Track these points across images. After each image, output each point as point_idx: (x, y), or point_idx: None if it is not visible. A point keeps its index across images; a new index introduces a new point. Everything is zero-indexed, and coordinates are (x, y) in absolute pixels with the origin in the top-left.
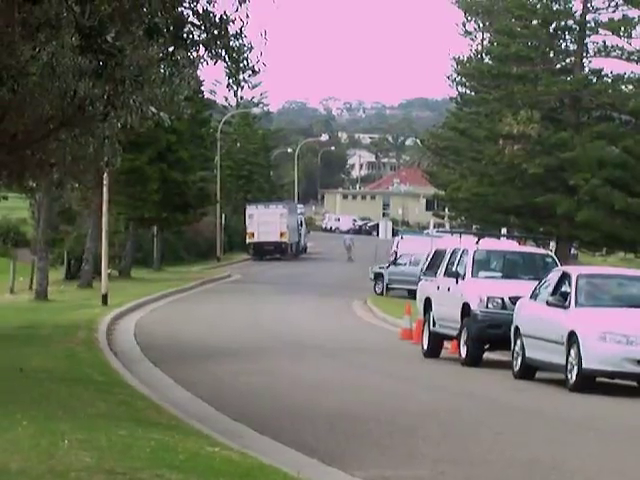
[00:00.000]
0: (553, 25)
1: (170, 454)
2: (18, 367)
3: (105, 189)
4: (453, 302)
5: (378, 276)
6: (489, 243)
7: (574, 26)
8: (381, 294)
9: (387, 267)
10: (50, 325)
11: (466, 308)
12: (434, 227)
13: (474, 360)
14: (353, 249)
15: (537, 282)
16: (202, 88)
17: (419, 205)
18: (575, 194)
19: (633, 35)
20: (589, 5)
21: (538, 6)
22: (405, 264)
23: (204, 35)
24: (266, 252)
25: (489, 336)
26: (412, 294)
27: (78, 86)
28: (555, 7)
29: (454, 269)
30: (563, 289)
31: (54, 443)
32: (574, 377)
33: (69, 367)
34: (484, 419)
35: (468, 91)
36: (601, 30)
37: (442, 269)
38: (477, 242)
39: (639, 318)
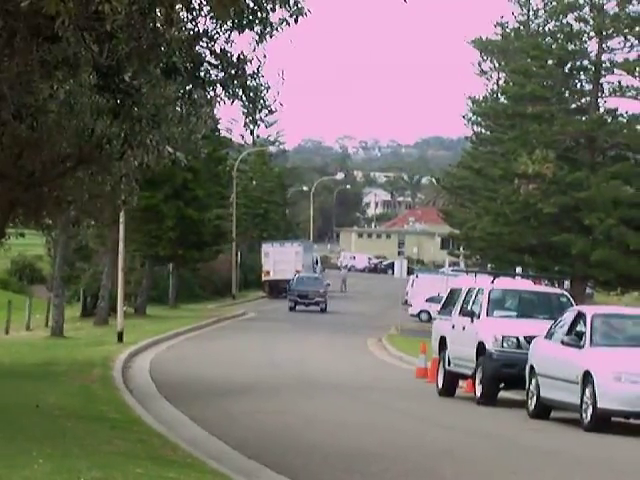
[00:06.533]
0: (568, 65)
1: None
2: (34, 404)
3: (121, 227)
4: (468, 341)
5: None
6: (504, 282)
7: (589, 66)
8: None
9: None
10: (66, 362)
11: (481, 347)
12: (449, 266)
13: (489, 399)
14: (347, 282)
15: (552, 321)
16: (219, 126)
17: (434, 244)
18: (590, 234)
19: None
20: (604, 45)
21: (553, 46)
22: None
23: (221, 74)
24: (281, 290)
25: (504, 375)
26: None
27: (95, 125)
28: (570, 47)
29: (469, 308)
30: (578, 328)
31: None
32: (589, 417)
33: (85, 404)
34: (499, 459)
35: (483, 130)
36: (616, 70)
37: (457, 308)
38: (492, 281)
39: None
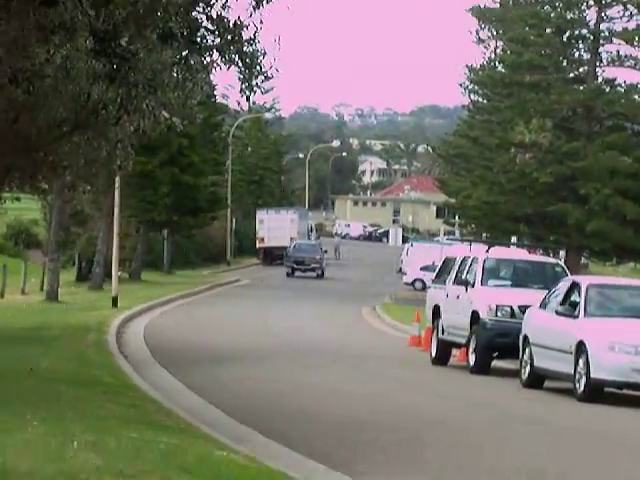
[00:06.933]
0: (567, 34)
1: (179, 457)
2: (28, 367)
3: (117, 192)
4: (462, 310)
5: None
6: (499, 251)
7: (588, 35)
8: None
9: None
10: (60, 326)
11: (475, 316)
12: (444, 235)
13: (482, 368)
14: (340, 249)
15: (547, 291)
16: (215, 92)
17: (429, 212)
18: (586, 204)
19: None
20: (603, 14)
21: (552, 14)
22: None
23: (218, 40)
24: (276, 257)
25: (498, 344)
26: None
27: (92, 89)
28: (569, 16)
29: (464, 277)
30: (572, 298)
31: (64, 444)
32: (582, 387)
33: (79, 369)
34: (491, 428)
35: (480, 99)
36: (615, 39)
37: (452, 277)
38: (487, 250)
39: None
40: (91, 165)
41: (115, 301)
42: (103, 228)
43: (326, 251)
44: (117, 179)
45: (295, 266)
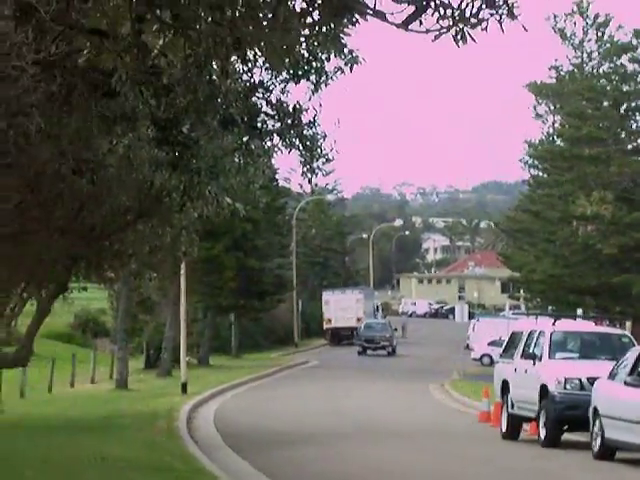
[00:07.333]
0: (624, 106)
1: None
2: (99, 456)
3: (182, 278)
4: (531, 384)
5: None
6: (565, 324)
7: None
8: None
9: None
10: (130, 414)
11: (544, 389)
12: (510, 309)
13: (553, 441)
14: (407, 328)
15: (614, 362)
16: (277, 176)
17: (494, 288)
18: None
19: None
20: None
21: (608, 87)
22: None
23: (278, 124)
24: (343, 337)
25: (568, 417)
26: None
27: (155, 177)
28: (625, 88)
29: (531, 351)
30: None
31: None
32: None
33: (150, 456)
34: None
35: (541, 173)
36: None
37: (519, 351)
38: (553, 323)
39: None
40: (156, 252)
41: (184, 387)
42: (170, 314)
43: (396, 329)
44: (182, 265)
45: (366, 344)
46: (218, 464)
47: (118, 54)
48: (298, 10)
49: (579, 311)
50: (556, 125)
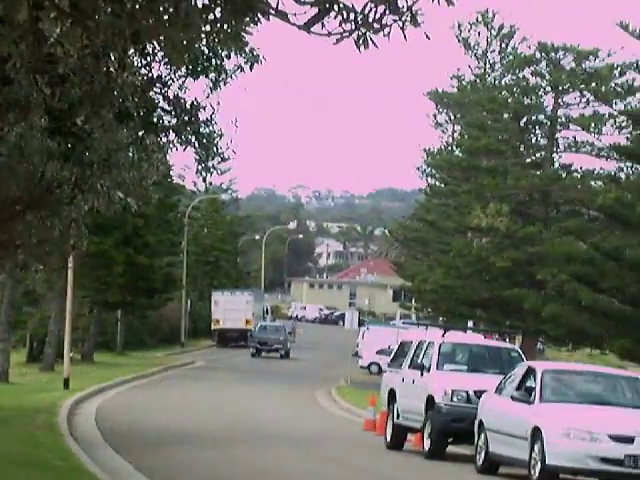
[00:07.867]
0: (524, 119)
1: None
2: None
3: (70, 272)
4: (417, 394)
5: None
6: (455, 336)
7: (545, 121)
8: None
9: None
10: (10, 408)
11: (430, 400)
12: (400, 318)
13: (437, 453)
14: (295, 332)
15: (502, 376)
16: (171, 173)
17: (386, 296)
18: (542, 289)
19: (603, 131)
20: (560, 100)
21: (509, 100)
22: None
23: (174, 121)
24: (231, 339)
25: (453, 429)
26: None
27: (46, 168)
28: (526, 101)
29: (419, 361)
30: (528, 384)
31: None
32: (537, 473)
33: (28, 451)
34: None
35: (438, 183)
36: (572, 125)
37: (407, 361)
38: (443, 335)
39: (603, 415)
40: (44, 244)
41: (67, 382)
42: (56, 308)
43: (290, 332)
44: (71, 259)
45: (259, 346)
46: (97, 462)
47: (13, 41)
48: (200, 6)
49: (470, 323)
50: (455, 135)
